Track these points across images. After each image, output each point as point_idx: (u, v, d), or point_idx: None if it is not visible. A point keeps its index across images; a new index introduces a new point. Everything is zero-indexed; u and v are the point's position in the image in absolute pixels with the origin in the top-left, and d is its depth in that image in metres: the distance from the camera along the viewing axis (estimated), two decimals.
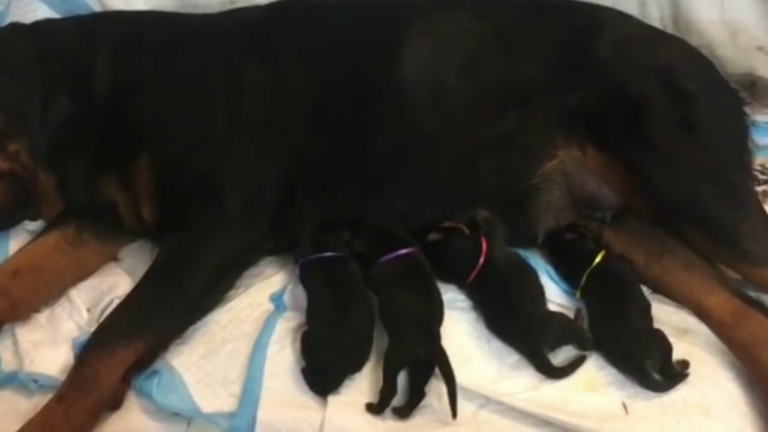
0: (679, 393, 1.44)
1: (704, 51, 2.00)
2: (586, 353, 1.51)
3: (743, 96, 1.88)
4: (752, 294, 1.63)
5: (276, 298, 1.65)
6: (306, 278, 1.60)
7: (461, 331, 1.56)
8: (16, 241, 1.80)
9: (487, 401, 1.43)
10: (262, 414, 1.39)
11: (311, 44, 1.80)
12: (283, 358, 1.49)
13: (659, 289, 1.70)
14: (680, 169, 1.65)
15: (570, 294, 1.69)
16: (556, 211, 1.78)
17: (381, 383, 1.41)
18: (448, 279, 1.67)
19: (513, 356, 1.52)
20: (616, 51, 1.76)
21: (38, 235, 1.78)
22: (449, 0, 1.92)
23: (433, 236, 1.71)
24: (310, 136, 1.73)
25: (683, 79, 1.74)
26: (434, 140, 1.75)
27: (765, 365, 1.45)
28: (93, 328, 1.53)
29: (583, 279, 1.64)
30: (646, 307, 1.58)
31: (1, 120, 1.71)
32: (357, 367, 1.46)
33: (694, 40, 2.09)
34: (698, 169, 1.66)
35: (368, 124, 1.74)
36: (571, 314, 1.62)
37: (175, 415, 1.44)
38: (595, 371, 1.49)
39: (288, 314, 1.60)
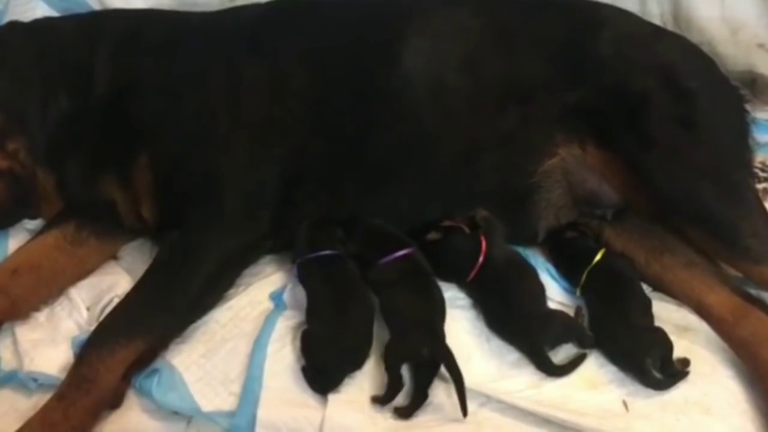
0: (679, 391, 1.43)
1: (705, 48, 2.00)
2: (587, 351, 1.51)
3: (744, 93, 1.88)
4: (753, 291, 1.63)
5: (276, 297, 1.65)
6: (304, 278, 1.60)
7: (461, 329, 1.56)
8: (15, 240, 1.80)
9: (487, 399, 1.43)
10: (262, 413, 1.39)
11: (311, 42, 1.79)
12: (283, 356, 1.49)
13: (659, 287, 1.70)
14: (680, 166, 1.65)
15: (570, 292, 1.69)
16: (557, 209, 1.78)
17: (381, 381, 1.42)
18: (448, 278, 1.67)
19: (513, 354, 1.52)
20: (617, 48, 1.76)
21: (37, 234, 1.78)
22: None
23: (433, 235, 1.71)
24: (310, 135, 1.73)
25: (683, 77, 1.74)
26: (435, 138, 1.74)
27: (765, 363, 1.45)
28: (93, 327, 1.53)
29: (584, 277, 1.63)
30: (647, 304, 1.58)
31: (0, 118, 1.71)
32: (357, 365, 1.46)
33: (694, 38, 2.09)
34: (698, 166, 1.65)
35: (368, 123, 1.74)
36: (571, 312, 1.62)
37: (175, 414, 1.44)
38: (595, 369, 1.49)
39: (288, 313, 1.60)
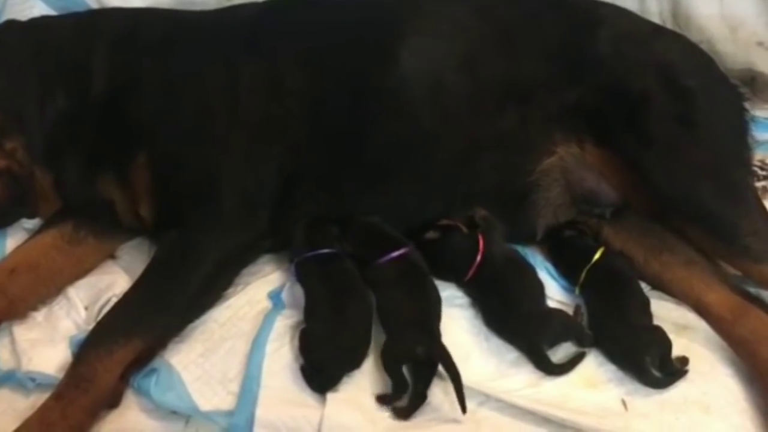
0: (678, 389, 1.43)
1: (704, 46, 2.00)
2: (586, 350, 1.51)
3: (743, 91, 1.89)
4: (752, 290, 1.63)
5: (274, 296, 1.64)
6: (302, 277, 1.60)
7: (460, 328, 1.56)
8: (13, 240, 1.79)
9: (486, 398, 1.43)
10: (261, 412, 1.39)
11: (309, 41, 1.79)
12: (281, 355, 1.49)
13: (658, 286, 1.70)
14: (679, 165, 1.65)
15: (569, 291, 1.69)
16: (556, 208, 1.78)
17: (380, 380, 1.42)
18: (446, 277, 1.67)
19: (512, 353, 1.52)
20: (615, 47, 1.76)
21: (35, 233, 1.78)
22: None
23: (431, 235, 1.71)
24: (308, 134, 1.73)
25: (682, 75, 1.73)
26: (433, 137, 1.74)
27: (764, 361, 1.45)
28: (91, 327, 1.53)
29: (583, 276, 1.63)
30: (646, 303, 1.58)
31: None
32: (355, 364, 1.45)
33: (693, 36, 2.09)
34: (697, 165, 1.65)
35: (367, 122, 1.74)
36: (570, 311, 1.62)
37: (173, 414, 1.44)
38: (594, 368, 1.49)
39: (286, 312, 1.60)
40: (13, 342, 1.57)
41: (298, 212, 1.70)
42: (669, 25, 2.20)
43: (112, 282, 1.70)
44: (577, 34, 1.79)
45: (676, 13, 2.24)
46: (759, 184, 1.90)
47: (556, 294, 1.67)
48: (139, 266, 1.62)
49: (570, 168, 1.75)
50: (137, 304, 1.53)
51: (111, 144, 1.71)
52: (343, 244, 1.66)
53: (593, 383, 1.46)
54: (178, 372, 1.46)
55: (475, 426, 1.39)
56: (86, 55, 1.76)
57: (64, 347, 1.54)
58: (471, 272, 1.63)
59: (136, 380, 1.46)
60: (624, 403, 1.43)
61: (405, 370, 1.42)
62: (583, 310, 1.62)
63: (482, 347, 1.53)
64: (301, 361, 1.47)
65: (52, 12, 2.06)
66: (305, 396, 1.42)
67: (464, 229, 1.70)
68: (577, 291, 1.65)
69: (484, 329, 1.57)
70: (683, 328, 1.57)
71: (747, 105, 1.83)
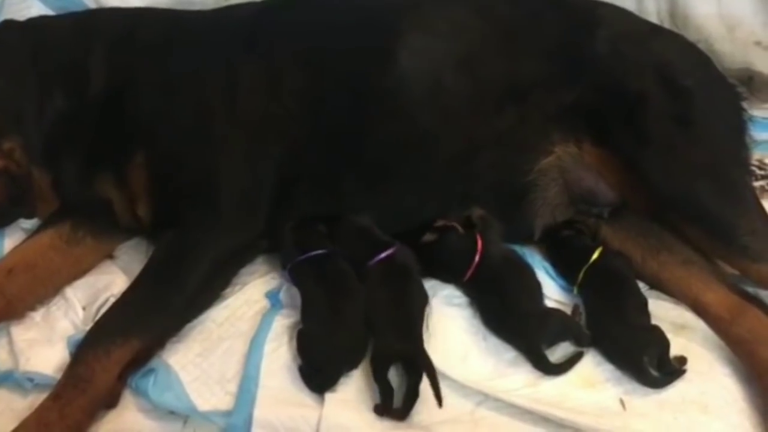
0: (676, 389, 1.43)
1: (701, 46, 2.00)
2: (584, 350, 1.51)
3: (741, 91, 1.89)
4: (750, 290, 1.63)
5: (272, 296, 1.64)
6: (298, 280, 1.60)
7: (458, 328, 1.56)
8: (11, 240, 1.80)
9: (484, 398, 1.43)
10: (259, 412, 1.39)
11: (307, 41, 1.79)
12: (279, 355, 1.49)
13: (656, 285, 1.70)
14: (677, 164, 1.65)
15: (567, 290, 1.68)
16: (553, 208, 1.78)
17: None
18: (445, 278, 1.67)
19: (510, 353, 1.52)
20: (613, 47, 1.76)
21: (33, 234, 1.78)
22: None
23: (428, 237, 1.70)
24: (307, 134, 1.73)
25: (680, 75, 1.73)
26: (432, 137, 1.74)
27: (763, 361, 1.45)
28: (88, 327, 1.53)
29: (581, 275, 1.63)
30: (644, 303, 1.58)
31: None
32: (353, 364, 1.45)
33: (691, 36, 2.09)
34: (695, 164, 1.65)
35: (365, 122, 1.74)
36: (568, 311, 1.62)
37: (171, 414, 1.44)
38: (592, 368, 1.49)
39: (284, 311, 1.59)
40: (10, 342, 1.57)
41: (296, 212, 1.70)
42: (667, 25, 2.20)
43: (110, 282, 1.70)
44: (575, 34, 1.79)
45: (673, 13, 2.24)
46: (757, 184, 1.90)
47: (554, 294, 1.67)
48: (137, 266, 1.62)
49: (568, 167, 1.75)
50: (135, 304, 1.53)
51: (109, 144, 1.70)
52: (334, 243, 1.66)
53: (591, 383, 1.46)
54: (176, 372, 1.46)
55: (473, 425, 1.39)
56: (84, 55, 1.76)
57: (61, 347, 1.54)
58: (469, 273, 1.63)
59: (134, 380, 1.46)
60: (622, 402, 1.42)
61: (397, 371, 1.42)
62: (581, 309, 1.61)
63: (480, 346, 1.53)
64: (299, 361, 1.46)
65: (50, 12, 2.06)
66: (303, 396, 1.42)
67: (461, 230, 1.70)
68: (575, 291, 1.65)
69: (482, 328, 1.57)
70: (681, 327, 1.57)
71: (745, 104, 1.83)
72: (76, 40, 1.80)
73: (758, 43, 2.21)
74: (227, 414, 1.40)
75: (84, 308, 1.66)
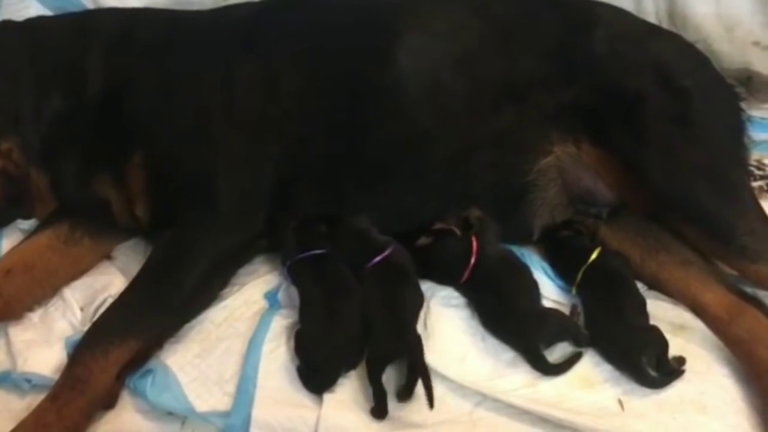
0: (675, 389, 1.43)
1: (700, 46, 2.00)
2: (582, 350, 1.51)
3: (739, 91, 1.89)
4: (748, 290, 1.63)
5: (270, 296, 1.64)
6: (296, 279, 1.60)
7: (456, 328, 1.56)
8: (9, 240, 1.80)
9: (482, 399, 1.42)
10: (257, 413, 1.39)
11: (305, 41, 1.79)
12: (277, 356, 1.48)
13: (655, 286, 1.69)
14: (676, 164, 1.65)
15: (566, 290, 1.68)
16: (552, 208, 1.78)
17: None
18: (442, 281, 1.66)
19: (508, 353, 1.51)
20: (611, 47, 1.76)
21: (31, 234, 1.78)
22: None
23: (423, 241, 1.69)
24: (305, 134, 1.73)
25: (678, 75, 1.73)
26: (430, 137, 1.74)
27: (761, 361, 1.45)
28: (86, 327, 1.53)
29: (579, 276, 1.63)
30: (642, 303, 1.58)
31: None
32: (351, 364, 1.45)
33: (689, 36, 2.08)
34: (694, 164, 1.65)
35: (364, 122, 1.74)
36: (566, 311, 1.62)
37: (169, 415, 1.44)
38: (590, 368, 1.48)
39: (283, 312, 1.59)
40: (8, 343, 1.57)
41: (294, 212, 1.70)
42: (665, 25, 2.20)
43: (108, 283, 1.70)
44: (573, 34, 1.79)
45: (672, 13, 2.24)
46: (756, 184, 1.90)
47: (552, 294, 1.67)
48: (135, 267, 1.61)
49: (567, 168, 1.75)
50: (133, 305, 1.53)
51: (107, 144, 1.70)
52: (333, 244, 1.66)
53: (590, 383, 1.46)
54: (174, 373, 1.46)
55: (472, 426, 1.39)
56: (82, 55, 1.76)
57: (59, 348, 1.54)
58: (466, 275, 1.62)
59: (132, 381, 1.46)
60: (621, 403, 1.42)
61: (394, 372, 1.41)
62: (580, 309, 1.61)
63: (479, 347, 1.53)
64: (297, 361, 1.46)
65: (47, 12, 2.06)
66: (302, 396, 1.42)
67: (458, 233, 1.69)
68: (573, 291, 1.65)
69: (480, 329, 1.56)
70: (680, 327, 1.57)
71: (743, 105, 1.83)
72: (74, 41, 1.80)
73: (757, 43, 2.22)
74: (225, 415, 1.40)
75: (82, 309, 1.66)
